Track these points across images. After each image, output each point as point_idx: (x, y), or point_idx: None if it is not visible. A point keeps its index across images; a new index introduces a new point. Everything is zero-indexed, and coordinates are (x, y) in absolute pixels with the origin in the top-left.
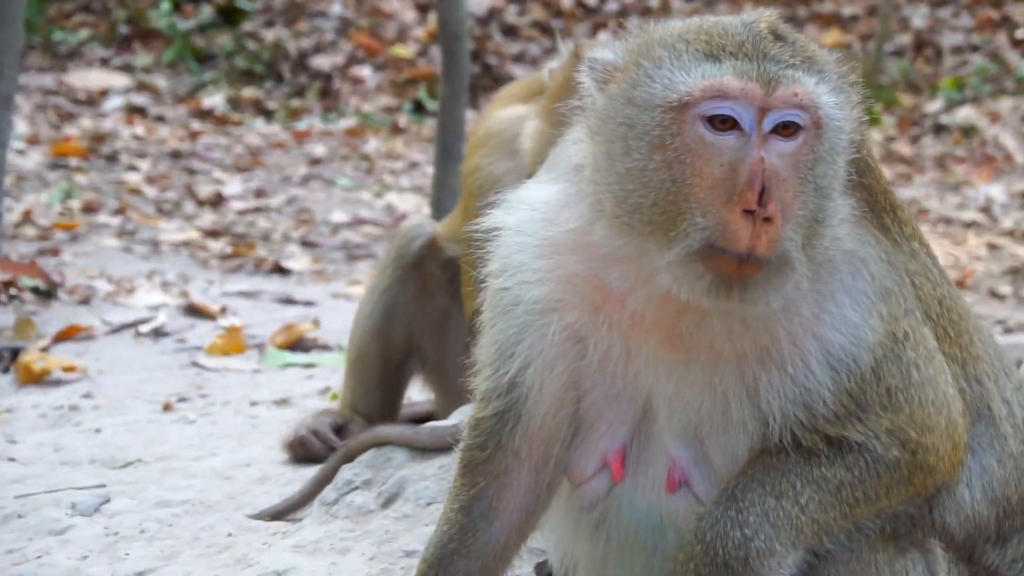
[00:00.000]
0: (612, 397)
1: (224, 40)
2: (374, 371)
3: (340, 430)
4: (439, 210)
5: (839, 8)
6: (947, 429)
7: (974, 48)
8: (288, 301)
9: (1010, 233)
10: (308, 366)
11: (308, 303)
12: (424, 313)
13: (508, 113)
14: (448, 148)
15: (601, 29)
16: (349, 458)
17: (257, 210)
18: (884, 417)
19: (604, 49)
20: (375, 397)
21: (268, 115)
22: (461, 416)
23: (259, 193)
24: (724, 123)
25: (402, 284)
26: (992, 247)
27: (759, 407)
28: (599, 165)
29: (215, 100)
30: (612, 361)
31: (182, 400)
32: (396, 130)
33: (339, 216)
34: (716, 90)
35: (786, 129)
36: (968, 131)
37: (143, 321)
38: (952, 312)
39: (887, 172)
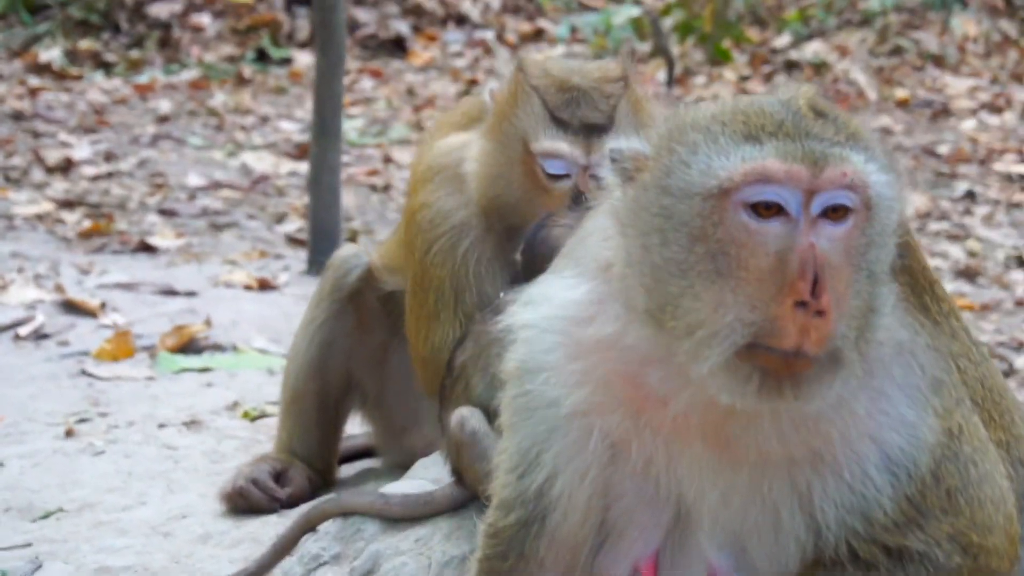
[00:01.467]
0: (646, 502)
1: None
2: (311, 411)
3: (279, 476)
4: (318, 188)
5: None
6: (1005, 526)
7: None
8: (169, 292)
9: None
10: (203, 370)
11: (189, 293)
12: (362, 347)
13: (450, 142)
14: (326, 125)
15: None
16: (311, 527)
17: (109, 175)
18: (944, 522)
19: (627, 139)
20: (313, 438)
21: (107, 68)
22: (423, 477)
23: (109, 156)
24: (769, 209)
25: (338, 318)
26: None
27: (812, 515)
28: (633, 260)
29: (52, 54)
30: (652, 466)
31: (82, 421)
32: (241, 81)
33: (194, 179)
34: (759, 174)
35: (835, 212)
36: (819, 67)
37: (21, 322)
38: (994, 392)
39: None
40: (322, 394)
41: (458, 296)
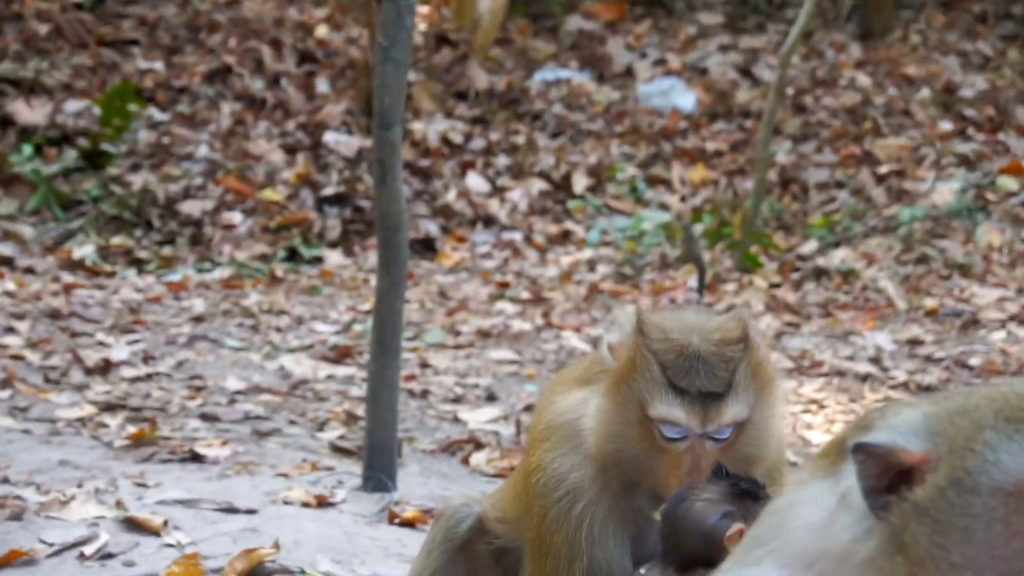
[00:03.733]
0: None
1: (89, 185)
2: None
3: None
4: (375, 404)
5: (702, 144)
6: None
7: (839, 185)
8: (229, 509)
9: (904, 385)
10: None
11: (249, 511)
12: None
13: (570, 400)
14: (386, 343)
15: (469, 168)
16: None
17: (148, 377)
18: None
19: (892, 433)
20: None
21: (140, 264)
22: None
23: (147, 358)
24: None
25: (448, 568)
26: (889, 401)
27: None
28: (924, 560)
29: (85, 250)
30: None
31: None
32: (274, 279)
33: (233, 383)
34: None
35: None
36: (847, 275)
37: (85, 541)
38: None
39: (775, 323)
40: None
41: (571, 564)
